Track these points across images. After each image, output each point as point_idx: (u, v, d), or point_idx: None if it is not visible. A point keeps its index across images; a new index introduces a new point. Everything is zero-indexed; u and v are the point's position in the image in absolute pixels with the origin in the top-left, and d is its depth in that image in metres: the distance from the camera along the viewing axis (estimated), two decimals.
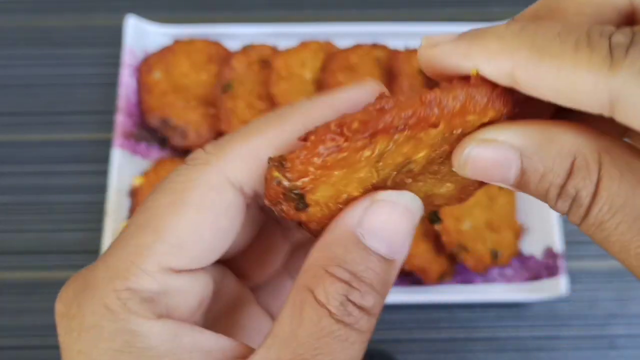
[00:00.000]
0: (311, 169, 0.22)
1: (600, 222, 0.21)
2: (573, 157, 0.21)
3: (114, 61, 0.74)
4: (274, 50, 0.73)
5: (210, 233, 0.23)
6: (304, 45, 0.72)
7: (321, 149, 0.22)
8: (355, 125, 0.22)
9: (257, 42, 0.73)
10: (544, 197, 0.22)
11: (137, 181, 0.67)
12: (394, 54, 0.71)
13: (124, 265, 0.22)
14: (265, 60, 0.72)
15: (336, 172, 0.22)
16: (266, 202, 0.23)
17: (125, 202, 0.66)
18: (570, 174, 0.21)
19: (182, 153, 0.70)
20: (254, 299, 0.29)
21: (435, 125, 0.22)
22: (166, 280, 0.22)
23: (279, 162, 0.23)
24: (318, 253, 0.23)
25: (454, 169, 0.24)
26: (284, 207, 0.23)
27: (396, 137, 0.22)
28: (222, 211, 0.23)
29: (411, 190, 0.24)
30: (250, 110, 0.69)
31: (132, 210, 0.66)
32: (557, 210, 0.22)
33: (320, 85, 0.69)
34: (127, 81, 0.70)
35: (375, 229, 0.22)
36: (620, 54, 0.19)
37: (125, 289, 0.21)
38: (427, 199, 0.26)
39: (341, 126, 0.22)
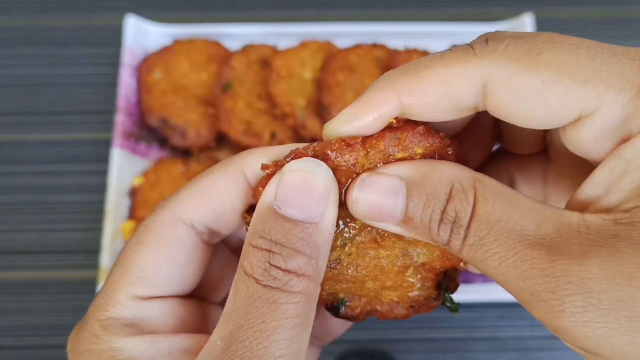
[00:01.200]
0: None
1: (480, 238, 0.23)
2: (451, 184, 0.24)
3: (114, 61, 0.74)
4: (274, 50, 0.73)
5: (167, 264, 0.28)
6: (304, 45, 0.72)
7: None
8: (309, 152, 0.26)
9: (257, 42, 0.73)
10: (427, 227, 0.24)
11: (137, 181, 0.67)
12: (394, 54, 0.71)
13: (104, 299, 0.27)
14: (265, 60, 0.72)
15: None
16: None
17: (125, 202, 0.66)
18: (449, 198, 0.24)
19: (182, 153, 0.70)
20: None
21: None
22: (138, 307, 0.27)
23: (248, 209, 0.27)
24: (248, 234, 0.25)
25: (348, 204, 0.26)
26: None
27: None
28: (175, 245, 0.28)
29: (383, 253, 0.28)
30: (250, 110, 0.69)
31: (132, 210, 0.66)
32: (439, 241, 0.25)
33: (320, 85, 0.69)
34: (127, 81, 0.70)
35: (288, 198, 0.25)
36: (482, 45, 0.24)
37: (107, 319, 0.26)
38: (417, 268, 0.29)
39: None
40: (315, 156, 0.26)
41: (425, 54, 0.71)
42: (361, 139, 0.26)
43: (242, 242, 0.26)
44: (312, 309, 0.25)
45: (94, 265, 0.65)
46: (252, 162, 0.28)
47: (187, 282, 0.29)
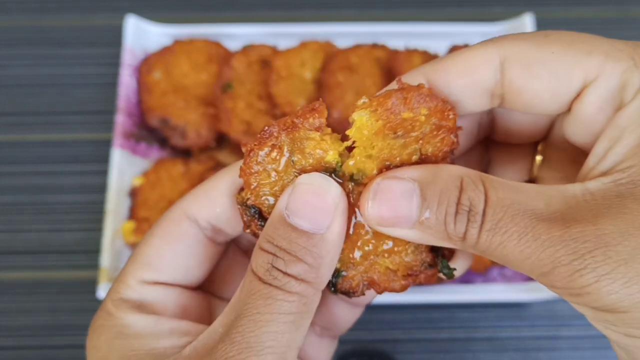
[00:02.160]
0: (252, 179, 0.28)
1: (497, 221, 0.25)
2: (460, 178, 0.26)
3: (114, 61, 0.74)
4: (274, 50, 0.73)
5: (170, 253, 0.31)
6: (304, 45, 0.72)
7: (258, 155, 0.28)
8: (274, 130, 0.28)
9: (257, 42, 0.73)
10: (442, 223, 0.26)
11: (137, 181, 0.67)
12: (394, 54, 0.71)
13: (117, 283, 0.31)
14: (265, 60, 0.72)
15: (272, 175, 0.28)
16: (246, 232, 0.29)
17: (125, 202, 0.66)
18: (461, 189, 0.26)
19: (182, 153, 0.70)
20: None
21: (317, 129, 0.28)
22: (144, 290, 0.30)
23: (240, 189, 0.29)
24: (260, 237, 0.28)
25: (362, 210, 0.28)
26: (252, 227, 0.29)
27: (283, 137, 0.28)
28: (178, 237, 0.31)
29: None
30: (250, 110, 0.69)
31: (132, 210, 0.66)
32: (454, 236, 0.26)
33: (320, 85, 0.69)
34: (127, 81, 0.70)
35: (297, 209, 0.27)
36: (497, 36, 0.28)
37: (118, 299, 0.30)
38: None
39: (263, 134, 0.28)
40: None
41: (425, 54, 0.71)
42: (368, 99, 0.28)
43: (254, 244, 0.28)
44: (307, 311, 0.27)
45: (94, 265, 0.65)
46: None
47: (190, 273, 0.32)
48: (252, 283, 0.26)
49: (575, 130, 0.28)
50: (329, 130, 0.28)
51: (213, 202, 0.31)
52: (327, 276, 0.27)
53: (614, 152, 0.26)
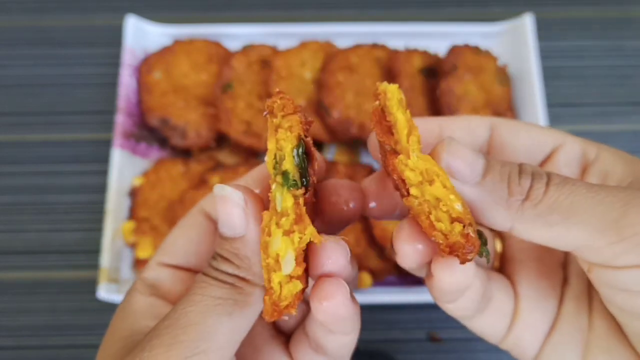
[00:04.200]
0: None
1: (564, 177, 0.27)
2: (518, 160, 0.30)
3: (114, 61, 0.74)
4: (274, 50, 0.73)
5: (183, 239, 0.36)
6: (304, 45, 0.72)
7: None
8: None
9: (257, 42, 0.73)
10: (505, 180, 0.28)
11: (137, 181, 0.67)
12: (394, 54, 0.71)
13: (146, 265, 0.36)
14: (265, 60, 0.72)
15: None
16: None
17: (125, 202, 0.66)
18: (521, 164, 0.28)
19: (182, 153, 0.70)
20: (284, 349, 0.36)
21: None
22: (157, 270, 0.35)
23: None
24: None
25: (438, 156, 0.28)
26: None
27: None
28: (191, 226, 0.36)
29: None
30: (250, 110, 0.69)
31: (132, 210, 0.66)
32: (519, 192, 0.27)
33: (320, 85, 0.69)
34: (127, 81, 0.70)
35: (219, 219, 0.30)
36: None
37: (141, 278, 0.35)
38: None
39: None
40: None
41: (425, 54, 0.71)
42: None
43: None
44: (243, 301, 0.30)
45: (94, 265, 0.65)
46: (260, 169, 0.35)
47: (200, 258, 0.36)
48: (196, 278, 0.31)
49: None
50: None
51: None
52: (256, 273, 0.30)
53: (610, 179, 0.31)
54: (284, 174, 0.28)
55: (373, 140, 0.33)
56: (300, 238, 0.27)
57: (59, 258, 0.67)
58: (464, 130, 0.34)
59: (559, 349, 0.33)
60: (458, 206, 0.27)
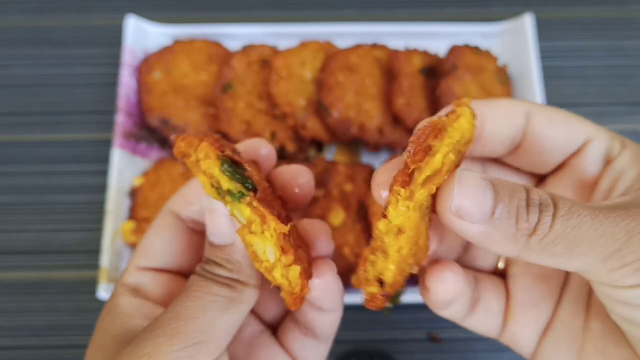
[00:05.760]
0: None
1: (570, 207, 0.27)
2: (524, 184, 0.29)
3: (114, 61, 0.74)
4: (274, 50, 0.73)
5: (159, 241, 0.37)
6: (304, 45, 0.72)
7: None
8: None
9: (257, 42, 0.73)
10: (514, 217, 0.27)
11: (137, 181, 0.67)
12: (394, 53, 0.71)
13: (125, 270, 0.37)
14: (265, 60, 0.72)
15: None
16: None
17: (125, 202, 0.66)
18: (527, 189, 0.28)
19: None
20: (274, 339, 0.38)
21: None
22: (138, 275, 0.36)
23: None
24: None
25: (441, 199, 0.28)
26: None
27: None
28: (165, 228, 0.36)
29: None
30: (250, 110, 0.69)
31: (132, 210, 0.66)
32: (526, 228, 0.27)
33: (320, 85, 0.69)
34: (127, 81, 0.70)
35: (208, 229, 0.33)
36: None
37: (121, 283, 0.36)
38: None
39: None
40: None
41: (425, 53, 0.71)
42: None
43: None
44: (238, 298, 0.32)
45: (94, 265, 0.65)
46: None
47: (176, 258, 0.37)
48: (191, 278, 0.33)
49: (567, 184, 0.34)
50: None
51: (189, 199, 0.36)
52: (250, 274, 0.33)
53: (621, 183, 0.31)
54: (229, 193, 0.30)
55: (379, 177, 0.32)
56: (271, 234, 0.30)
57: (59, 258, 0.67)
58: (502, 120, 0.33)
59: (555, 347, 0.34)
60: (389, 276, 0.30)
